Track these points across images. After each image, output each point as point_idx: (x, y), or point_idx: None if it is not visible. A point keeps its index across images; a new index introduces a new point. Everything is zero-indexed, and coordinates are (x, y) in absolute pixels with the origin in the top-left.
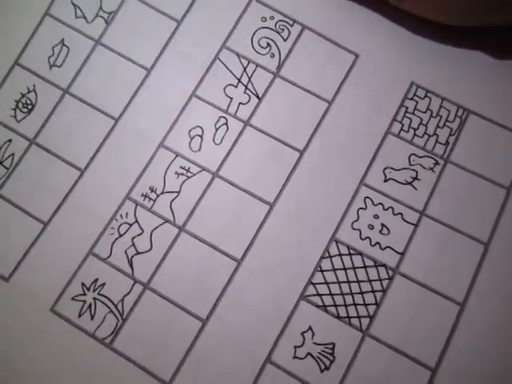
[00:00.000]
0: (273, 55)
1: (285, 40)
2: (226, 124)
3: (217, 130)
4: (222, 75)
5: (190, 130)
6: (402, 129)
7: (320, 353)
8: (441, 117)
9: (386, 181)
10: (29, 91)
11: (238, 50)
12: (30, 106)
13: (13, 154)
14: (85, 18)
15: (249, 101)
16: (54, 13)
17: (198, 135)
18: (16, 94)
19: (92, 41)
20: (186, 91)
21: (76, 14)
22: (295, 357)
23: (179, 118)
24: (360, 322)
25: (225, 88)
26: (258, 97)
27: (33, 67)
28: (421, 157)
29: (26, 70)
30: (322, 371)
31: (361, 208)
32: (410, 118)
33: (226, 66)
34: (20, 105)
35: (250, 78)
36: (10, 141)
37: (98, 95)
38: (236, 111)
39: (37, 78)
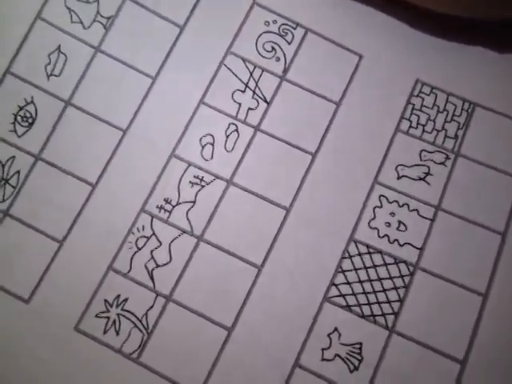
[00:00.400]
0: (278, 59)
1: (289, 43)
2: (237, 130)
3: (227, 136)
4: (228, 81)
5: (201, 139)
6: (410, 126)
7: (348, 353)
8: (448, 112)
9: (399, 178)
10: (27, 103)
11: (243, 55)
12: (30, 120)
13: (18, 172)
14: (81, 23)
15: (257, 106)
16: (46, 17)
17: (210, 143)
18: (13, 107)
19: (91, 48)
20: (193, 99)
21: (72, 19)
22: (323, 359)
23: (189, 126)
24: (385, 320)
25: (232, 94)
26: (266, 101)
27: (28, 77)
28: (431, 152)
29: (20, 79)
30: (351, 371)
31: (376, 206)
32: (417, 115)
33: (232, 71)
34: (19, 118)
35: (257, 83)
36: (13, 157)
37: (103, 106)
38: (245, 117)
39: (34, 89)
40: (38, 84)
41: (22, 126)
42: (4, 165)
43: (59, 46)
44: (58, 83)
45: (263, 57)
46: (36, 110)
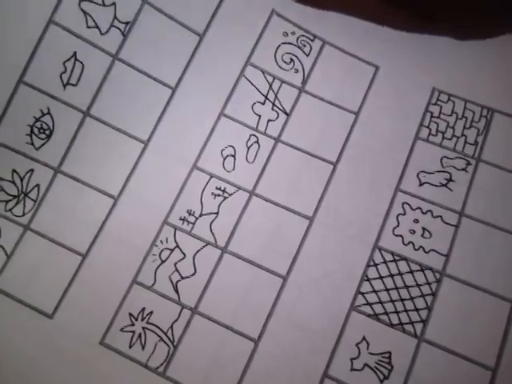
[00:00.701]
0: (297, 70)
1: (307, 55)
2: (258, 142)
3: (249, 148)
4: (248, 93)
5: (223, 150)
6: (430, 133)
7: (377, 362)
8: (466, 118)
9: (421, 185)
10: (43, 114)
11: (263, 67)
12: (47, 132)
13: (38, 185)
14: (98, 28)
15: (277, 117)
16: (59, 20)
17: (231, 155)
18: (28, 118)
19: (109, 56)
20: (214, 110)
21: (87, 23)
22: (353, 369)
23: (210, 138)
24: (414, 328)
25: (252, 105)
26: (286, 113)
27: (43, 86)
28: (452, 158)
29: (34, 89)
30: (381, 381)
31: (400, 214)
32: (436, 123)
33: (251, 83)
34: (35, 130)
35: (276, 95)
36: (31, 170)
37: (123, 117)
38: (266, 128)
39: (50, 99)
40: (53, 94)
41: (39, 138)
42: (22, 178)
43: (75, 53)
44: (75, 93)
45: (282, 68)
46: (53, 121)
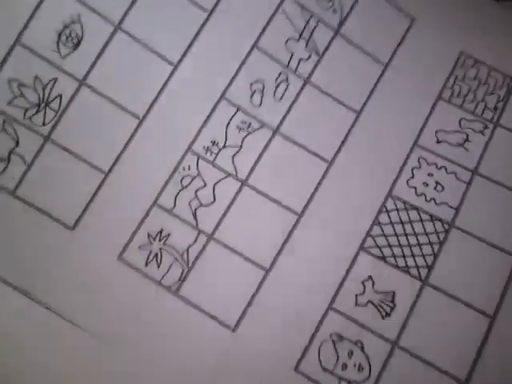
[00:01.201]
0: (335, 11)
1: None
2: (287, 80)
3: (278, 85)
4: (283, 27)
5: (252, 84)
6: (452, 95)
7: (381, 300)
8: (489, 85)
9: (438, 142)
10: (73, 22)
11: (302, 1)
12: (75, 40)
13: (60, 96)
14: None
15: (309, 57)
16: None
17: (259, 90)
18: (57, 24)
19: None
20: (247, 42)
21: None
22: (357, 304)
23: (240, 69)
24: (419, 272)
25: (286, 41)
26: (318, 54)
27: None
28: (471, 121)
29: None
30: (383, 318)
31: (415, 167)
32: (459, 85)
33: (288, 17)
34: (63, 37)
35: (311, 33)
36: (55, 79)
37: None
38: (297, 67)
39: (81, 6)
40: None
41: (66, 46)
42: (45, 86)
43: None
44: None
45: (321, 6)
46: (82, 30)
